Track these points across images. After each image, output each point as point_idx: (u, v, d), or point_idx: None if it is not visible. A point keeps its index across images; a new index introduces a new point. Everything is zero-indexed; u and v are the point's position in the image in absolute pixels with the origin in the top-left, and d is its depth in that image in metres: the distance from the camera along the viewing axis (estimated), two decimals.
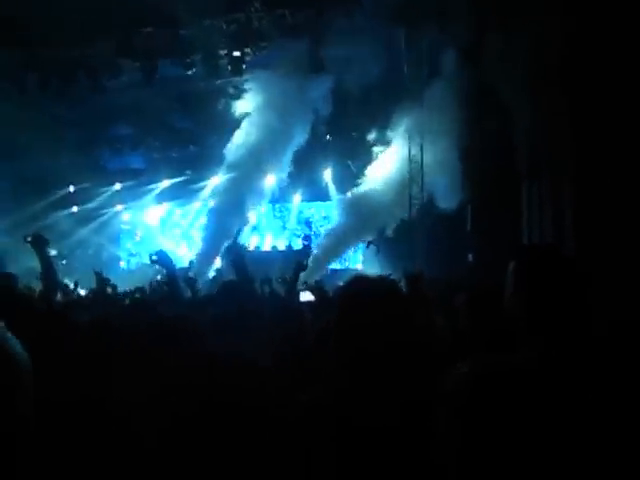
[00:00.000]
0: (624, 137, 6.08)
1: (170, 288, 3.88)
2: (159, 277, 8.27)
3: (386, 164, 10.60)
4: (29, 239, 3.80)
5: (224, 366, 1.85)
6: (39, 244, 3.75)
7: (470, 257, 9.83)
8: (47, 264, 3.70)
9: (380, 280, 1.71)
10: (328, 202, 14.34)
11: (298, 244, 14.20)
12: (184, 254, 14.72)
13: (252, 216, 14.77)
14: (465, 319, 2.45)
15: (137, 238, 16.00)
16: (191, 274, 10.66)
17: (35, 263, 3.79)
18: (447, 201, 9.56)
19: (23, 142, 11.67)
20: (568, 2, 6.71)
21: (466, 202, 9.52)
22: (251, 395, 1.77)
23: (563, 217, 7.13)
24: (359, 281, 1.67)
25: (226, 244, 13.54)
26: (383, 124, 9.65)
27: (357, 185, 11.99)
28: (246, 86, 10.39)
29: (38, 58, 10.46)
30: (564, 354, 1.28)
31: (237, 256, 3.77)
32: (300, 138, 10.60)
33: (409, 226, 10.39)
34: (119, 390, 1.85)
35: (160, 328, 2.06)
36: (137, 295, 6.13)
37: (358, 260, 14.02)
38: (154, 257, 3.93)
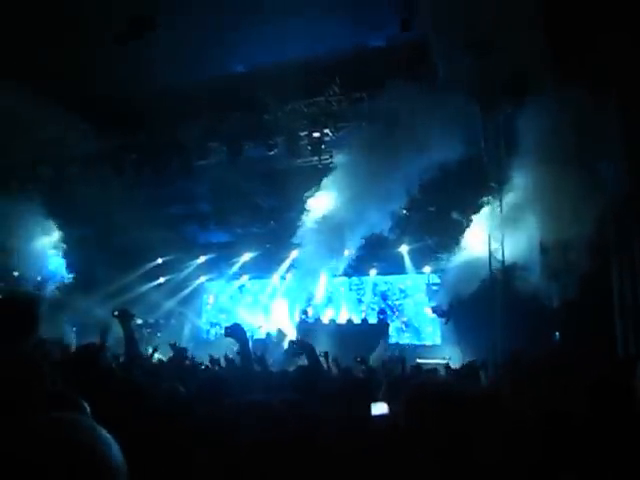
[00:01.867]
0: None
1: (243, 363, 3.93)
2: (235, 349, 8.40)
3: (466, 240, 10.41)
4: (116, 313, 4.07)
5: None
6: (125, 318, 4.01)
7: (557, 335, 9.25)
8: (130, 337, 3.93)
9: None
10: (404, 275, 14.22)
11: (373, 318, 14.06)
12: (261, 325, 14.97)
13: (327, 289, 14.91)
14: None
15: (217, 309, 16.50)
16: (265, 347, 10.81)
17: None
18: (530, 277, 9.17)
19: (119, 219, 12.65)
20: None
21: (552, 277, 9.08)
22: None
23: None
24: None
25: (299, 318, 13.70)
26: (461, 201, 9.59)
27: (435, 260, 11.84)
28: (326, 164, 10.76)
29: (134, 142, 11.51)
30: None
31: (305, 344, 3.78)
32: (378, 213, 10.69)
33: (490, 300, 10.00)
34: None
35: (235, 413, 2.07)
36: (215, 367, 6.23)
37: (436, 335, 13.62)
38: (228, 330, 4.02)
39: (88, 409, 1.70)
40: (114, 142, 11.12)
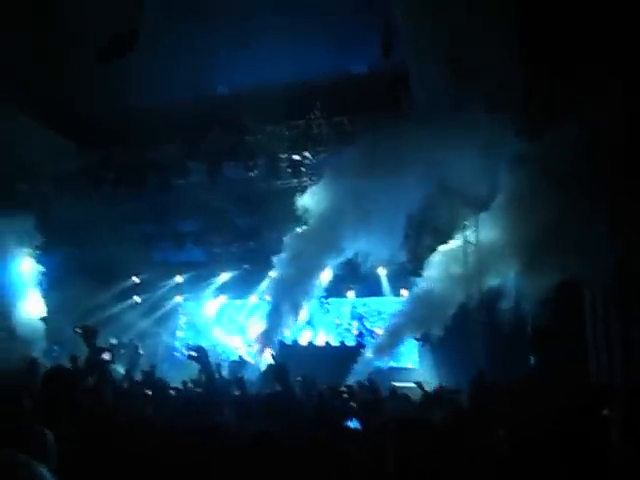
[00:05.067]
0: None
1: (207, 388, 3.89)
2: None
3: (442, 260, 10.51)
4: (79, 331, 3.97)
5: None
6: (88, 335, 3.91)
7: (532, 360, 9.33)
8: (94, 354, 3.82)
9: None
10: (381, 297, 14.26)
11: (351, 340, 14.03)
12: (237, 346, 14.82)
13: (305, 310, 14.84)
14: None
15: (193, 329, 16.29)
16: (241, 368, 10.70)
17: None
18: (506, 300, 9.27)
19: (94, 234, 12.49)
20: None
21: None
22: None
23: None
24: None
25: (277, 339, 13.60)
26: (439, 224, 9.70)
27: (412, 282, 11.89)
28: (304, 186, 10.83)
29: (113, 159, 11.44)
30: None
31: (281, 372, 3.77)
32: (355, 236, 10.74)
33: (466, 323, 10.07)
34: None
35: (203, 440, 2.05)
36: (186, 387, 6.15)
37: (413, 358, 13.62)
38: (190, 353, 3.98)
39: (51, 440, 1.68)
40: (92, 159, 11.04)
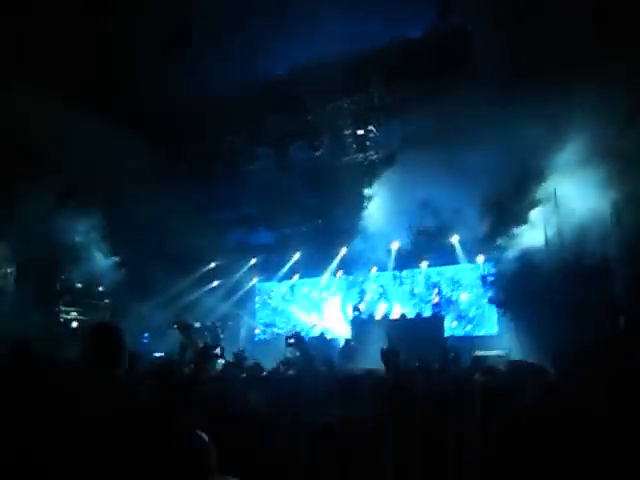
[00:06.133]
0: None
1: (308, 371, 3.99)
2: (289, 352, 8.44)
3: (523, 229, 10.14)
4: (175, 326, 4.23)
5: None
6: (184, 329, 4.16)
7: (622, 320, 8.90)
8: (193, 345, 4.06)
9: None
10: (456, 265, 14.04)
11: (427, 311, 13.95)
12: (315, 324, 15.13)
13: (378, 283, 14.89)
14: None
15: (271, 309, 16.75)
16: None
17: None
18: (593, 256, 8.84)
19: (171, 224, 12.98)
20: None
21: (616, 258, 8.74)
22: None
23: None
24: None
25: (352, 314, 13.76)
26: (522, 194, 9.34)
27: (488, 249, 11.63)
28: (371, 160, 10.76)
29: (183, 151, 11.80)
30: None
31: (393, 355, 3.71)
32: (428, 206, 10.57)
33: (549, 287, 9.70)
34: None
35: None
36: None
37: (493, 326, 13.38)
38: (290, 341, 4.10)
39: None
40: (164, 152, 11.43)
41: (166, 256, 14.15)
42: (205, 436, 1.77)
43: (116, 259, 13.21)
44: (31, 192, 9.83)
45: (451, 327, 13.53)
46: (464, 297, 14.13)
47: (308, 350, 3.83)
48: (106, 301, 13.16)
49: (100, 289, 13.17)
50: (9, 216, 10.14)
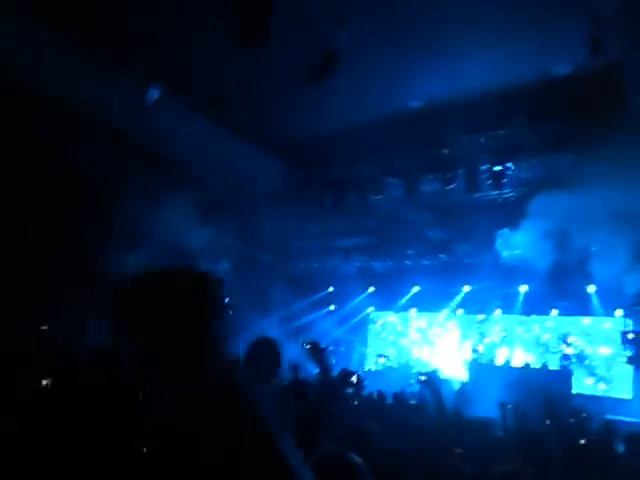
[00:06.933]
0: None
1: (438, 414, 3.85)
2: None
3: None
4: (308, 346, 4.26)
5: None
6: (317, 351, 4.17)
7: None
8: (325, 368, 4.04)
9: None
10: (591, 317, 12.94)
11: (553, 362, 12.93)
12: (426, 359, 14.73)
13: (501, 326, 14.14)
14: None
15: (383, 339, 16.57)
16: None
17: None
18: None
19: (296, 247, 13.41)
20: None
21: None
22: None
23: None
24: None
25: (473, 355, 13.15)
26: None
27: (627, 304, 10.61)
28: (506, 198, 10.34)
29: (316, 178, 12.18)
30: None
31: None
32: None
33: None
34: None
35: None
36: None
37: (628, 388, 12.07)
38: (423, 377, 3.98)
39: None
40: (298, 178, 11.88)
41: (287, 277, 14.64)
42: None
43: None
44: (175, 204, 10.54)
45: (582, 384, 12.41)
46: (599, 352, 12.92)
47: (441, 392, 3.68)
48: (230, 313, 13.78)
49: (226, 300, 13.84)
50: (149, 227, 10.83)
